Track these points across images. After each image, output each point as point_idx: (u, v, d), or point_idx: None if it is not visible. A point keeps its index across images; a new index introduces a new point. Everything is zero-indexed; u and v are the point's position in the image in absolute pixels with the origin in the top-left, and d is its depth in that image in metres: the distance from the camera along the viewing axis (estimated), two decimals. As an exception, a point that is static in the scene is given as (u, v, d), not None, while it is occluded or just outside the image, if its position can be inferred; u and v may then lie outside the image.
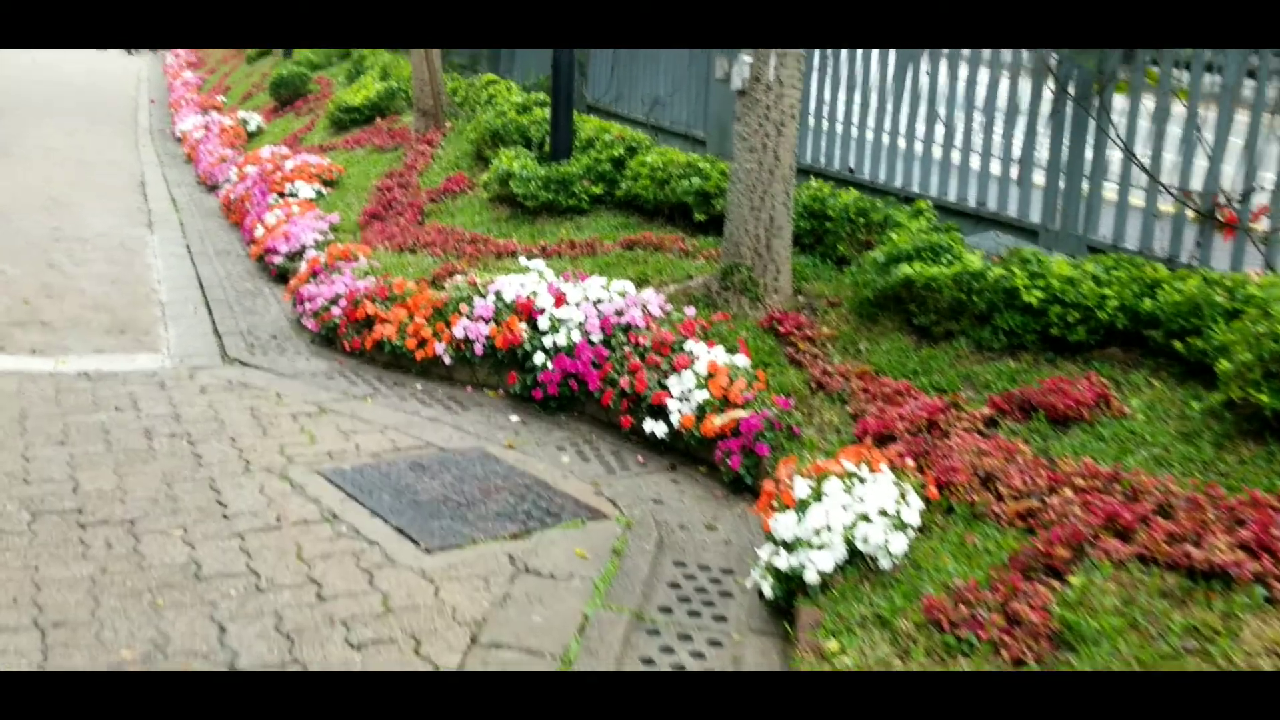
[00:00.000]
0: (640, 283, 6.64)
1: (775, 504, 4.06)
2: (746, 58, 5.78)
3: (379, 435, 5.39)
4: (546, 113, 9.97)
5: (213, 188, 13.55)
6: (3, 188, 12.29)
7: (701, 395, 5.08)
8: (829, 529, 3.70)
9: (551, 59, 8.82)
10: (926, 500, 3.94)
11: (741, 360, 5.27)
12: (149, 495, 4.52)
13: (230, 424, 5.43)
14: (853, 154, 7.67)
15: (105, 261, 9.37)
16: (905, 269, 5.31)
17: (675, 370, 5.30)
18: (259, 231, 9.74)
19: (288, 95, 17.75)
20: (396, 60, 16.03)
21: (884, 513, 3.73)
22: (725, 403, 5.04)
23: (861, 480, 3.87)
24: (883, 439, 4.50)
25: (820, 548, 3.67)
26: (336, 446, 5.19)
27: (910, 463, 4.12)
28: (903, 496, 3.82)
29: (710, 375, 5.15)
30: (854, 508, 3.73)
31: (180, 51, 29.66)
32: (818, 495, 3.88)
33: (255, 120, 16.72)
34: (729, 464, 4.82)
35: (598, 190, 8.32)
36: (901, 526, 3.72)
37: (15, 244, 9.62)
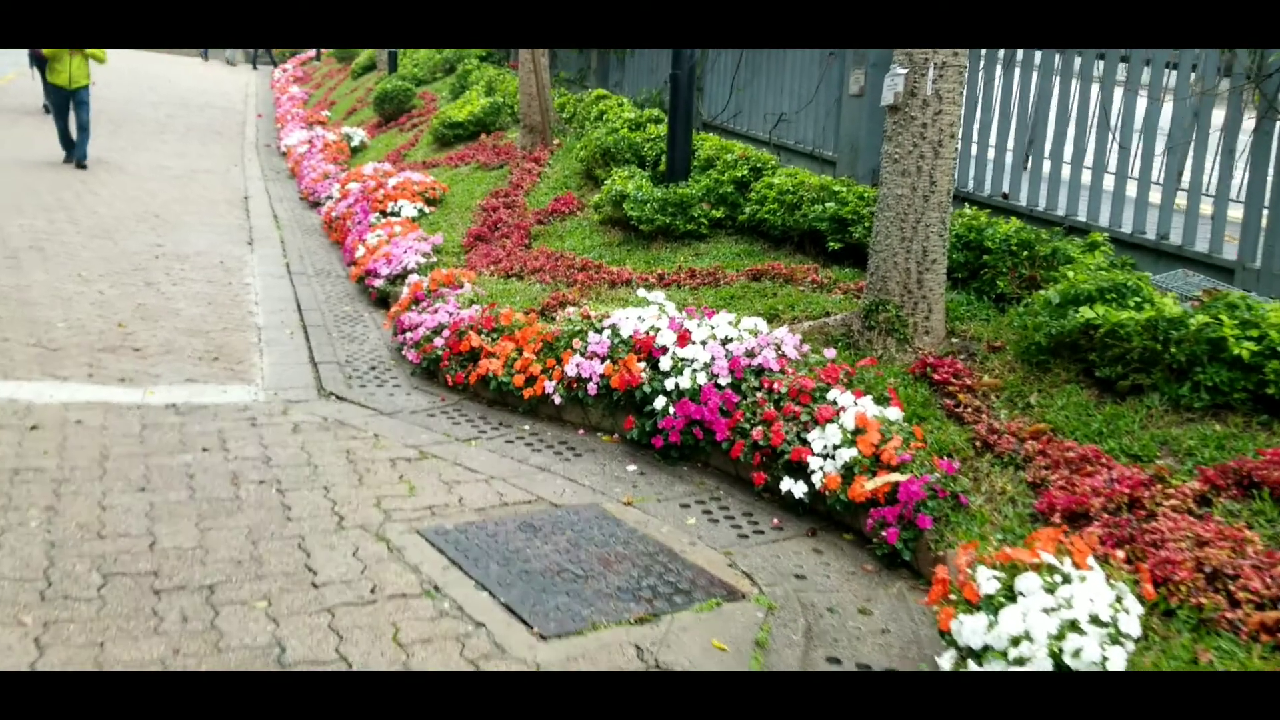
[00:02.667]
0: (770, 318, 6.04)
1: (954, 597, 3.41)
2: (900, 70, 5.15)
3: (485, 487, 4.86)
4: (661, 130, 9.44)
5: (315, 204, 13.32)
6: (112, 204, 12.18)
7: (849, 453, 4.44)
8: (1029, 638, 3.04)
9: (669, 73, 8.27)
10: (1140, 599, 3.27)
11: (893, 413, 4.62)
12: (232, 555, 4.04)
13: (324, 470, 4.96)
14: (1006, 178, 6.95)
15: (203, 281, 9.07)
16: (1086, 312, 4.62)
17: (817, 422, 4.68)
18: (360, 252, 9.36)
19: (391, 110, 17.56)
20: (502, 75, 15.69)
21: (1097, 620, 3.06)
22: (876, 462, 4.41)
23: (1066, 578, 3.20)
24: (1074, 517, 3.82)
25: (1019, 661, 3.02)
26: (438, 500, 4.67)
27: (1119, 554, 3.44)
28: (1119, 600, 3.14)
29: (859, 430, 4.51)
30: (1061, 613, 3.07)
31: (288, 66, 29.95)
32: (1010, 593, 3.22)
33: (359, 135, 16.53)
34: (884, 536, 4.18)
35: (718, 214, 7.73)
36: (1119, 638, 3.05)
37: (117, 263, 9.38)
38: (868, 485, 4.29)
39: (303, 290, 9.00)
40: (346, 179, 12.25)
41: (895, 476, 4.25)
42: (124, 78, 25.69)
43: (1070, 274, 4.91)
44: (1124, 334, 4.52)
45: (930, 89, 5.11)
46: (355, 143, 16.29)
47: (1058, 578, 3.22)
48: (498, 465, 5.16)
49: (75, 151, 14.09)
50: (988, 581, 3.30)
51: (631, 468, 5.21)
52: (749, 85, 9.99)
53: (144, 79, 26.59)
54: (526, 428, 5.77)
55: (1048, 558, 3.29)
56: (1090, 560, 3.29)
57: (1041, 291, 5.01)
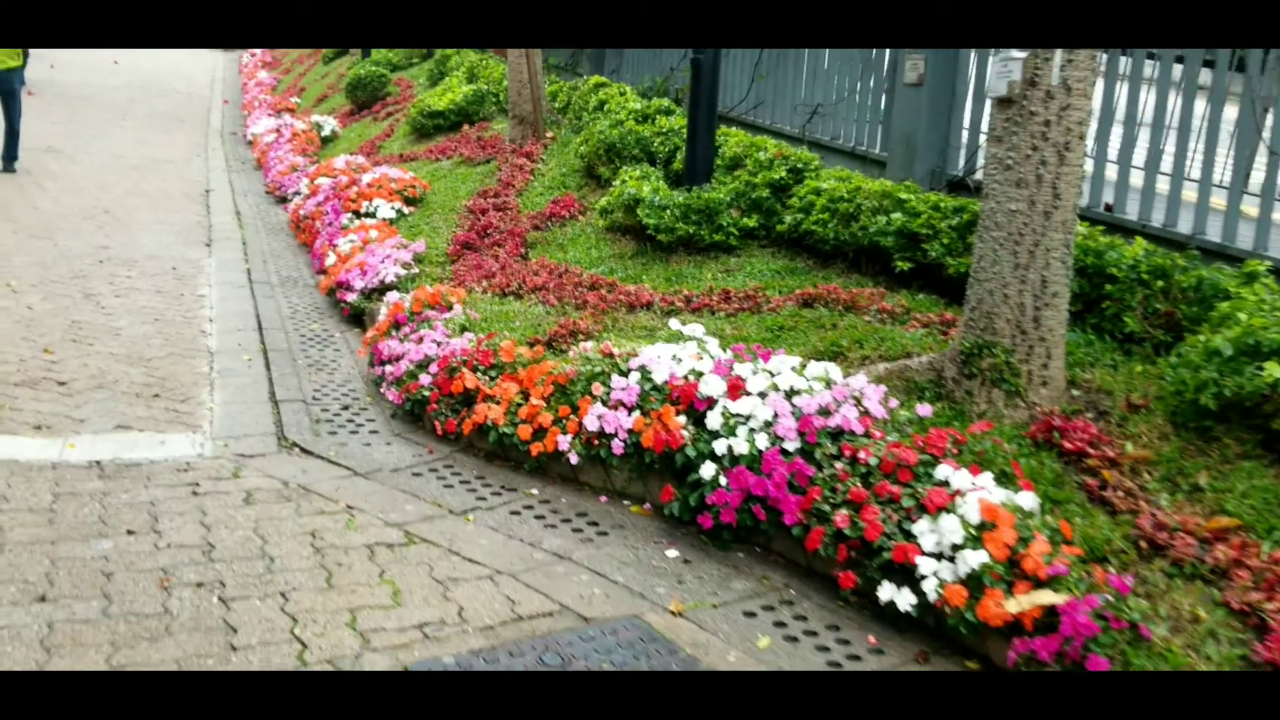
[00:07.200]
0: (831, 356, 4.96)
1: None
2: (1018, 54, 4.07)
3: (490, 589, 3.76)
4: (671, 122, 8.34)
5: (282, 199, 12.17)
6: (58, 199, 10.98)
7: (976, 558, 3.37)
8: None
9: (690, 58, 7.16)
10: None
11: (1026, 499, 3.55)
12: (149, 715, 2.92)
13: (282, 564, 3.84)
14: (1110, 188, 5.82)
15: (151, 292, 7.91)
16: (1276, 370, 3.56)
17: (925, 510, 3.60)
18: (330, 259, 8.22)
19: (364, 98, 16.39)
20: (484, 60, 14.54)
21: None
22: (1013, 568, 3.34)
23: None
24: (1324, 674, 2.76)
25: None
26: (431, 612, 3.56)
27: None
28: None
29: (985, 524, 3.44)
30: None
31: (256, 51, 28.63)
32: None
33: (330, 124, 15.34)
34: (1035, 679, 3.11)
35: (750, 223, 6.63)
36: None
37: (54, 269, 8.22)
38: (1010, 607, 3.22)
39: (265, 304, 7.85)
40: (316, 173, 11.09)
41: (1049, 597, 3.18)
42: (83, 58, 24.34)
43: (1242, 316, 3.85)
44: (1330, 400, 3.47)
45: (1056, 77, 4.03)
46: (326, 132, 15.11)
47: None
48: (504, 552, 4.06)
49: (2, 159, 11.95)
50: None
51: (672, 553, 4.12)
52: (773, 72, 8.87)
53: (105, 59, 25.22)
54: (534, 492, 4.67)
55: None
56: None
57: (1199, 337, 3.95)
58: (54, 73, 21.69)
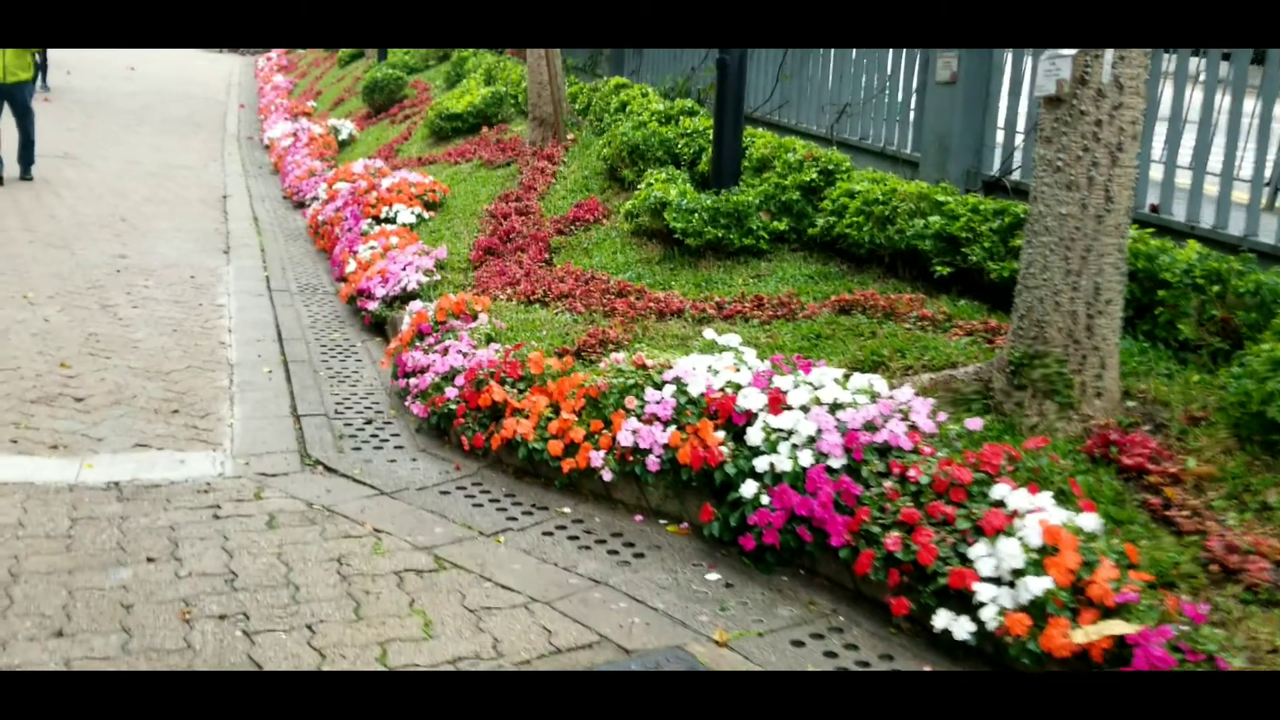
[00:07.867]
0: (872, 366, 4.79)
1: None
2: (1067, 51, 3.89)
3: (525, 618, 3.60)
4: (695, 123, 8.17)
5: (300, 204, 12.07)
6: (75, 207, 10.89)
7: (1039, 584, 3.19)
8: None
9: (716, 59, 6.99)
10: None
11: (1088, 520, 3.37)
12: (172, 762, 2.77)
13: (307, 593, 3.69)
14: (1156, 189, 5.62)
15: (169, 302, 7.79)
16: (1352, 382, 3.37)
17: (981, 532, 3.43)
18: (350, 267, 8.08)
19: (381, 101, 16.27)
20: (502, 62, 14.39)
21: None
22: (1077, 595, 3.16)
23: None
24: None
25: None
26: (464, 646, 3.41)
27: None
28: None
29: (1047, 548, 3.26)
30: None
31: (272, 55, 28.61)
32: None
33: (347, 128, 15.22)
34: (1106, 715, 2.93)
35: (781, 226, 6.45)
36: None
37: (71, 279, 8.11)
38: (1077, 637, 3.04)
39: (284, 313, 7.72)
40: (334, 178, 10.96)
41: (1120, 627, 3.00)
42: (98, 64, 24.35)
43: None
44: None
45: (1108, 75, 3.85)
46: (343, 135, 14.99)
47: None
48: (538, 577, 3.90)
49: (19, 165, 11.73)
50: None
51: (713, 577, 3.96)
52: (799, 71, 8.69)
53: (120, 66, 25.21)
54: (567, 511, 4.51)
55: None
56: None
57: (1263, 345, 3.76)
58: (70, 79, 21.69)
